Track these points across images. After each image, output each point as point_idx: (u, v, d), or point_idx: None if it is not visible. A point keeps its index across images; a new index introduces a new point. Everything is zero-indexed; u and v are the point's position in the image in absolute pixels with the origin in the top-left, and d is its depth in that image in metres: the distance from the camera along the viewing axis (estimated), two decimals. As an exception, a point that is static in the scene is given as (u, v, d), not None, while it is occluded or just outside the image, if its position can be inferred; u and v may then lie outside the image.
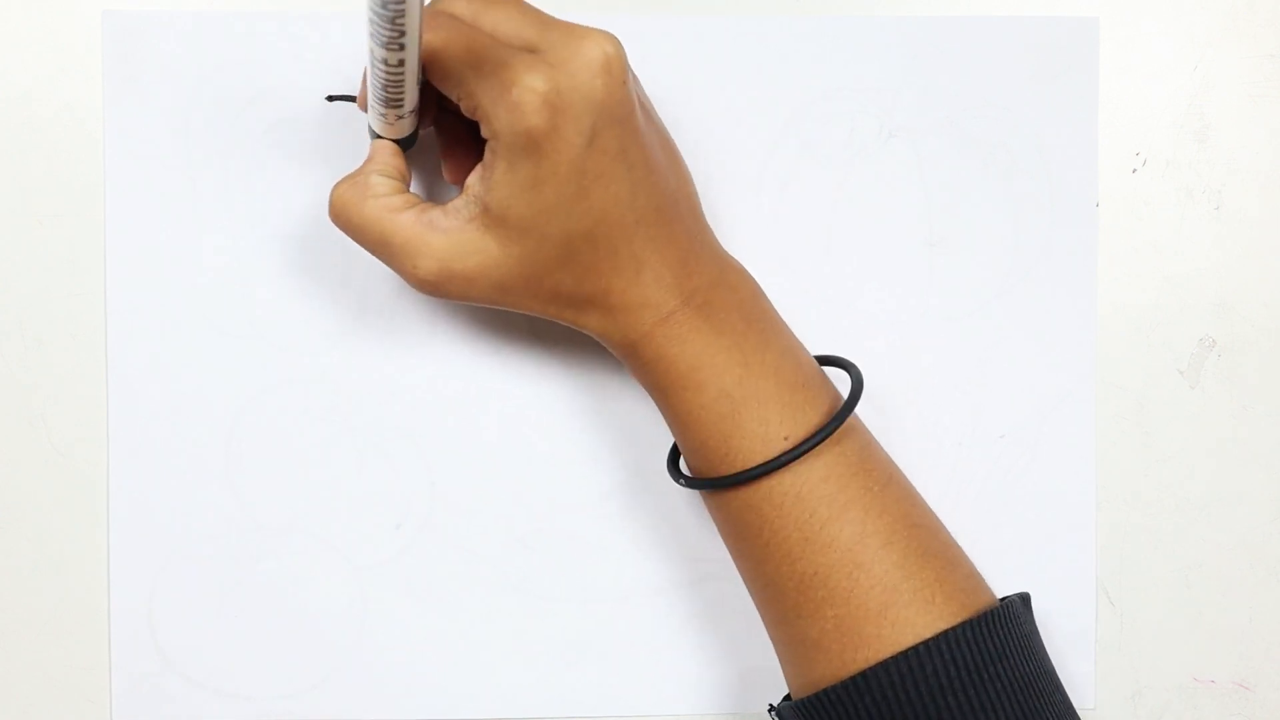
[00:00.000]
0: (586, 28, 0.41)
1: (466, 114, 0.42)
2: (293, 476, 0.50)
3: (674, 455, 0.47)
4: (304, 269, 0.50)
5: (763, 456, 0.42)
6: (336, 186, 0.44)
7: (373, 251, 0.43)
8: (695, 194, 0.46)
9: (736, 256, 0.46)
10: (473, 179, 0.42)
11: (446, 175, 0.46)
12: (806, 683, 0.43)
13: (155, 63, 0.49)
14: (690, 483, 0.45)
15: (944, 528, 0.45)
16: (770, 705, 0.46)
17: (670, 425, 0.45)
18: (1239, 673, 0.51)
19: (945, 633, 0.41)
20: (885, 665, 0.40)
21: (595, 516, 0.50)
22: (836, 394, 0.45)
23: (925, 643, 0.40)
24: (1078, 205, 0.51)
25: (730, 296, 0.44)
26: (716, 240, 0.46)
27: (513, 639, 0.50)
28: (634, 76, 0.43)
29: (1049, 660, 0.44)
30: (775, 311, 0.46)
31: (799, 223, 0.50)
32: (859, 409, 0.45)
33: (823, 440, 0.42)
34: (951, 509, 0.50)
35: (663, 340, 0.43)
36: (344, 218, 0.43)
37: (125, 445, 0.50)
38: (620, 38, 0.41)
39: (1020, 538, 0.51)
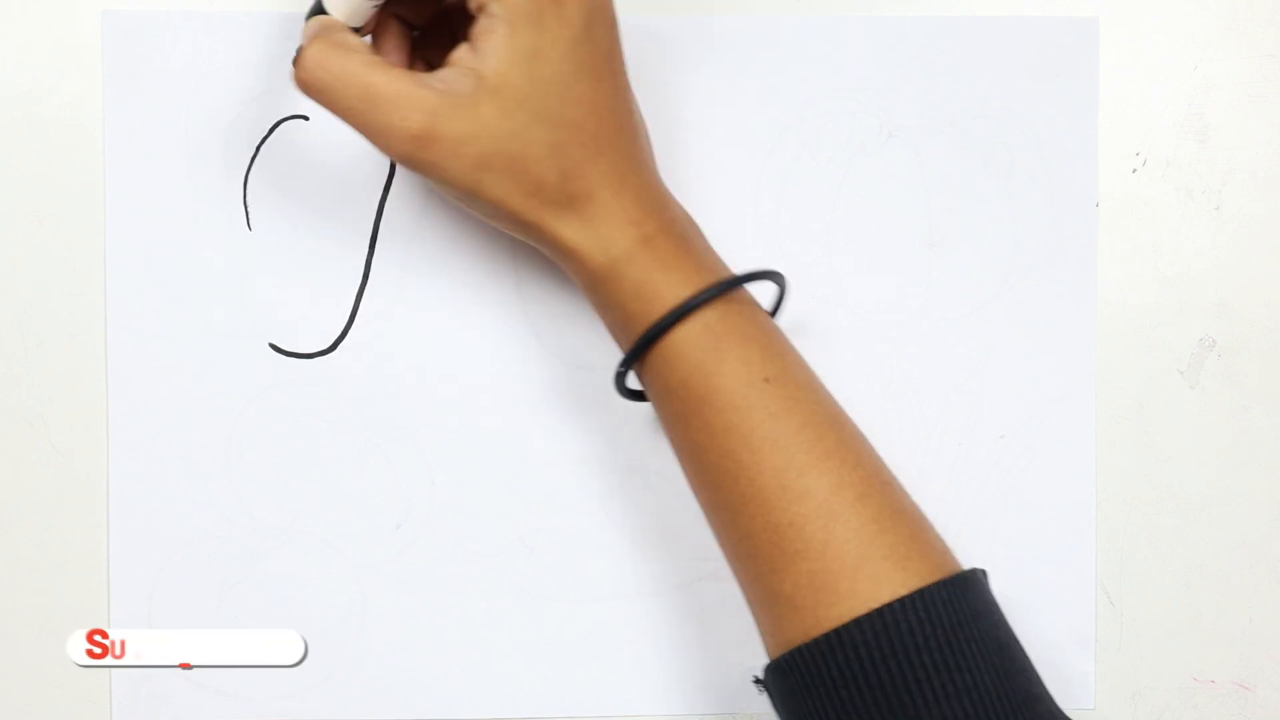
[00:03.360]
0: None
1: None
2: (293, 476, 0.50)
3: (620, 374, 0.45)
4: (304, 269, 0.50)
5: (744, 399, 0.42)
6: (307, 46, 0.41)
7: (348, 108, 0.40)
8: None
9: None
10: (460, 53, 0.41)
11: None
12: (781, 642, 0.42)
13: (155, 63, 0.49)
14: (627, 391, 0.45)
15: (909, 494, 0.44)
16: (755, 677, 0.45)
17: (638, 368, 0.44)
18: (1239, 673, 0.51)
19: (922, 590, 0.40)
20: (859, 622, 0.40)
21: (595, 516, 0.50)
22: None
23: (900, 600, 0.40)
24: (1078, 205, 0.51)
25: (697, 237, 0.44)
26: None
27: (512, 639, 0.50)
28: None
29: (1014, 633, 0.43)
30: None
31: (799, 222, 0.50)
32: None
33: (752, 278, 0.42)
34: (951, 509, 0.50)
35: (646, 262, 0.42)
36: (322, 72, 0.40)
37: (125, 445, 0.50)
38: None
39: (1020, 538, 0.51)
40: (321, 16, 0.42)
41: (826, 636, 0.40)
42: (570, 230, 0.42)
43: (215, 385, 0.50)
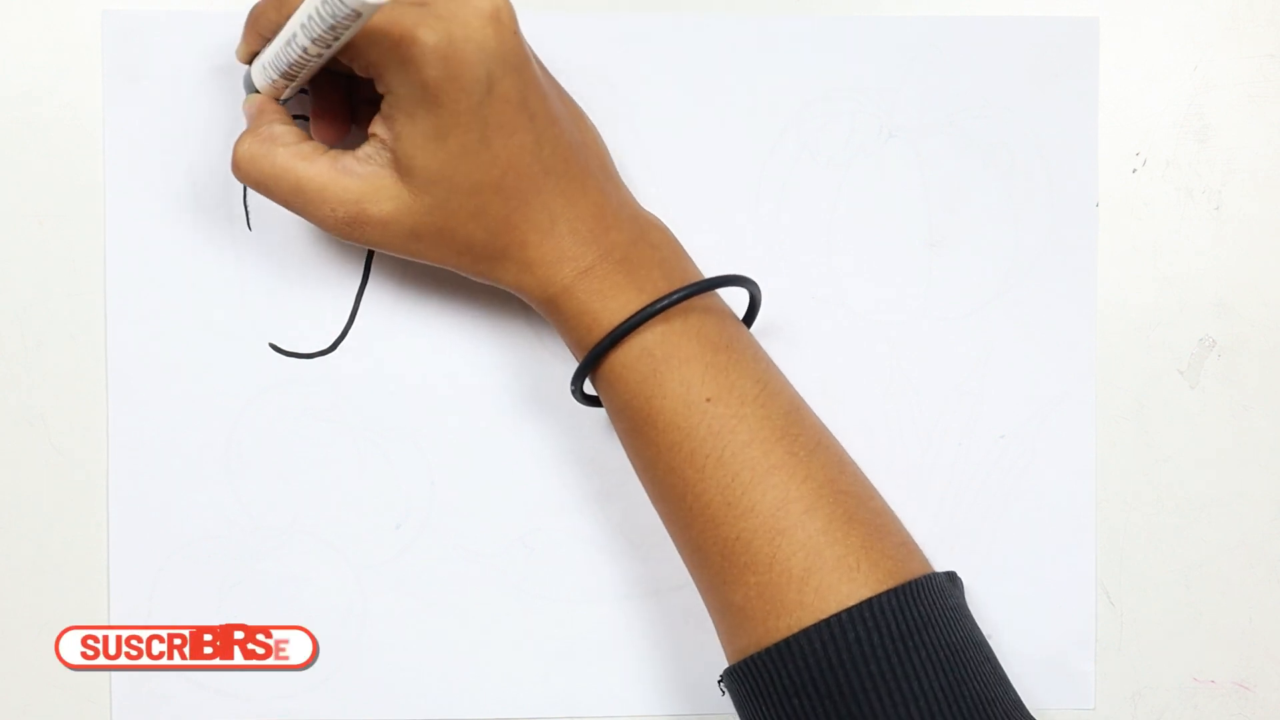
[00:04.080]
0: None
1: (360, 73, 0.42)
2: (293, 476, 0.50)
3: (577, 376, 0.45)
4: (304, 269, 0.50)
5: (685, 420, 0.42)
6: (240, 142, 0.43)
7: (284, 201, 0.43)
8: (605, 152, 0.46)
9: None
10: (378, 127, 0.42)
11: (315, 134, 0.46)
12: (736, 649, 0.43)
13: (155, 63, 0.49)
14: (587, 400, 0.46)
15: (877, 495, 0.45)
16: (719, 679, 0.45)
17: (593, 383, 0.45)
18: (1239, 673, 0.51)
19: (868, 600, 0.40)
20: (807, 632, 0.40)
21: (595, 516, 0.50)
22: (764, 354, 0.45)
23: (847, 610, 0.40)
24: (1078, 205, 0.51)
25: (651, 254, 0.44)
26: (634, 200, 0.46)
27: (512, 639, 0.50)
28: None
29: (980, 634, 0.44)
30: (699, 272, 0.46)
31: (799, 223, 0.50)
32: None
33: (683, 299, 0.42)
34: (951, 509, 0.50)
35: (583, 294, 0.43)
36: (255, 170, 0.43)
37: (125, 445, 0.50)
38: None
39: (1020, 538, 0.51)
40: (254, 97, 0.45)
41: (776, 646, 0.41)
42: (509, 275, 0.44)
43: (215, 385, 0.50)
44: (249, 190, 0.49)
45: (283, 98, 0.45)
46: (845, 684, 0.40)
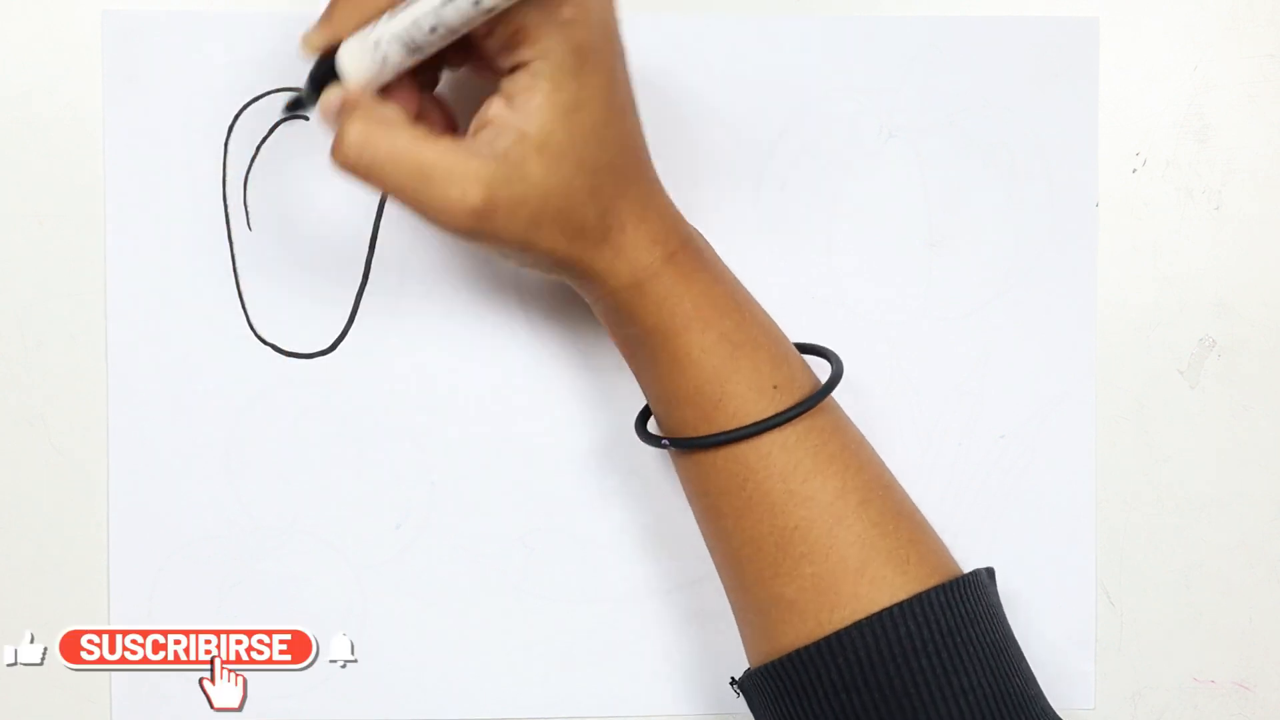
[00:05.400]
0: None
1: (492, 48, 0.40)
2: (293, 476, 0.50)
3: (642, 417, 0.46)
4: (304, 269, 0.50)
5: (754, 405, 0.42)
6: (350, 123, 0.39)
7: (400, 188, 0.39)
8: None
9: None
10: (496, 110, 0.40)
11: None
12: (775, 648, 0.42)
13: (155, 63, 0.49)
14: (678, 443, 0.44)
15: (909, 496, 0.45)
16: (732, 679, 0.45)
17: (657, 378, 0.44)
18: (1239, 673, 0.51)
19: (920, 595, 0.41)
20: (860, 626, 0.40)
21: (595, 516, 0.50)
22: (799, 355, 0.45)
23: (900, 604, 0.40)
24: (1078, 205, 0.51)
25: (710, 250, 0.45)
26: None
27: (512, 639, 0.50)
28: None
29: (1013, 633, 0.44)
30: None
31: (799, 223, 0.50)
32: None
33: (830, 391, 0.43)
34: (951, 509, 0.50)
35: (670, 279, 0.43)
36: (370, 153, 0.39)
37: (125, 445, 0.50)
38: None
39: (1020, 538, 0.51)
40: (348, 87, 0.40)
41: (828, 640, 0.40)
42: (604, 259, 0.42)
43: (215, 385, 0.50)
44: (249, 189, 0.49)
45: (375, 87, 0.41)
46: (895, 678, 0.40)
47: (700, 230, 0.45)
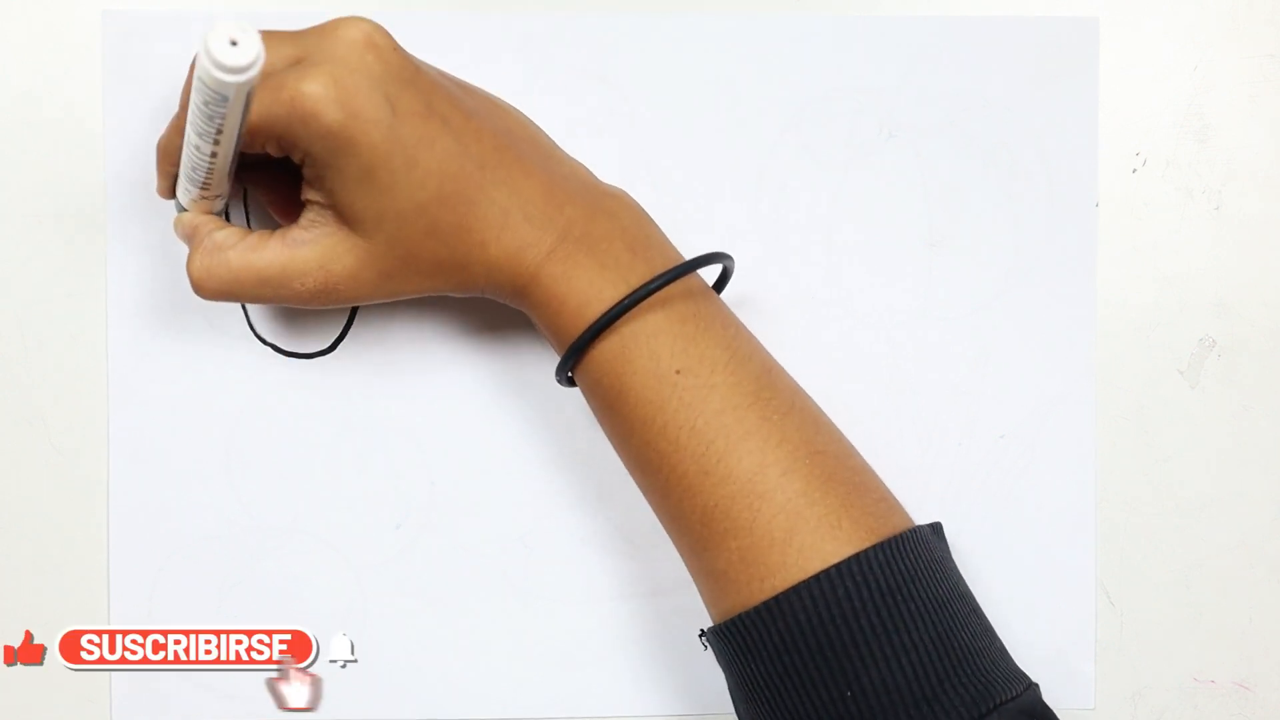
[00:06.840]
0: (337, 18, 0.41)
1: (276, 154, 0.42)
2: (293, 476, 0.50)
3: (560, 367, 0.46)
4: (304, 269, 0.50)
5: (656, 394, 0.43)
6: (190, 263, 0.43)
7: (255, 297, 0.43)
8: (539, 132, 0.46)
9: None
10: (309, 192, 0.42)
11: (282, 222, 0.46)
12: (721, 611, 0.43)
13: (155, 63, 0.49)
14: (568, 381, 0.45)
15: (855, 453, 0.45)
16: (700, 631, 0.46)
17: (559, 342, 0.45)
18: (1239, 673, 0.51)
19: (853, 557, 0.41)
20: (793, 591, 0.41)
21: (595, 516, 0.50)
22: (733, 319, 0.45)
23: (833, 567, 0.40)
24: (1078, 205, 0.51)
25: (610, 224, 0.44)
26: (587, 171, 0.46)
27: (512, 639, 0.50)
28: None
29: (965, 585, 0.44)
30: (663, 236, 0.46)
31: (799, 223, 0.50)
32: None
33: (661, 286, 0.42)
34: (951, 509, 0.50)
35: (549, 279, 0.43)
36: (215, 281, 0.43)
37: (125, 445, 0.50)
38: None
39: (1020, 538, 0.51)
40: (184, 216, 0.44)
41: (763, 606, 0.41)
42: (481, 280, 0.44)
43: (215, 385, 0.50)
44: (249, 190, 0.49)
45: (215, 210, 0.45)
46: (835, 638, 0.40)
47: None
